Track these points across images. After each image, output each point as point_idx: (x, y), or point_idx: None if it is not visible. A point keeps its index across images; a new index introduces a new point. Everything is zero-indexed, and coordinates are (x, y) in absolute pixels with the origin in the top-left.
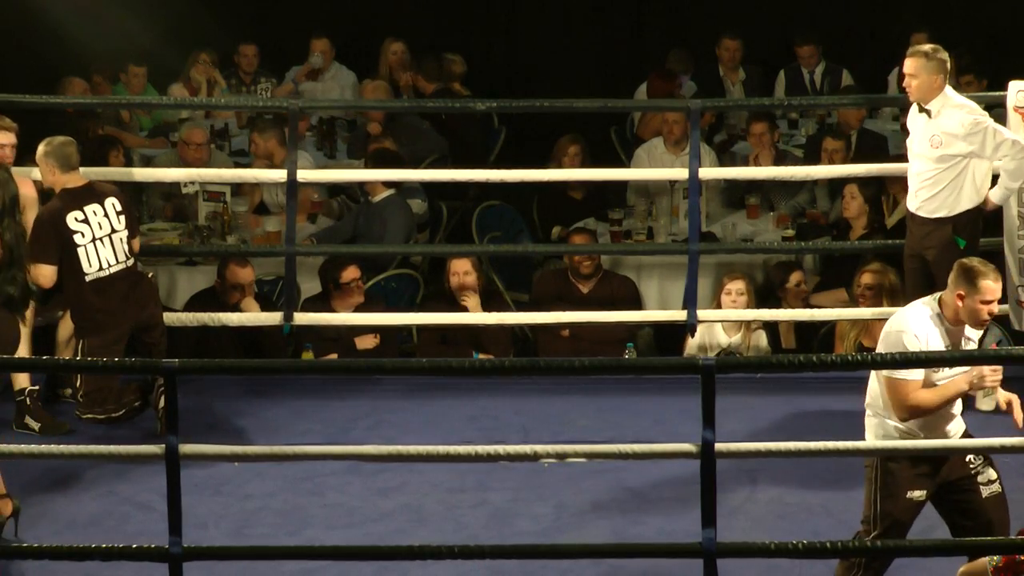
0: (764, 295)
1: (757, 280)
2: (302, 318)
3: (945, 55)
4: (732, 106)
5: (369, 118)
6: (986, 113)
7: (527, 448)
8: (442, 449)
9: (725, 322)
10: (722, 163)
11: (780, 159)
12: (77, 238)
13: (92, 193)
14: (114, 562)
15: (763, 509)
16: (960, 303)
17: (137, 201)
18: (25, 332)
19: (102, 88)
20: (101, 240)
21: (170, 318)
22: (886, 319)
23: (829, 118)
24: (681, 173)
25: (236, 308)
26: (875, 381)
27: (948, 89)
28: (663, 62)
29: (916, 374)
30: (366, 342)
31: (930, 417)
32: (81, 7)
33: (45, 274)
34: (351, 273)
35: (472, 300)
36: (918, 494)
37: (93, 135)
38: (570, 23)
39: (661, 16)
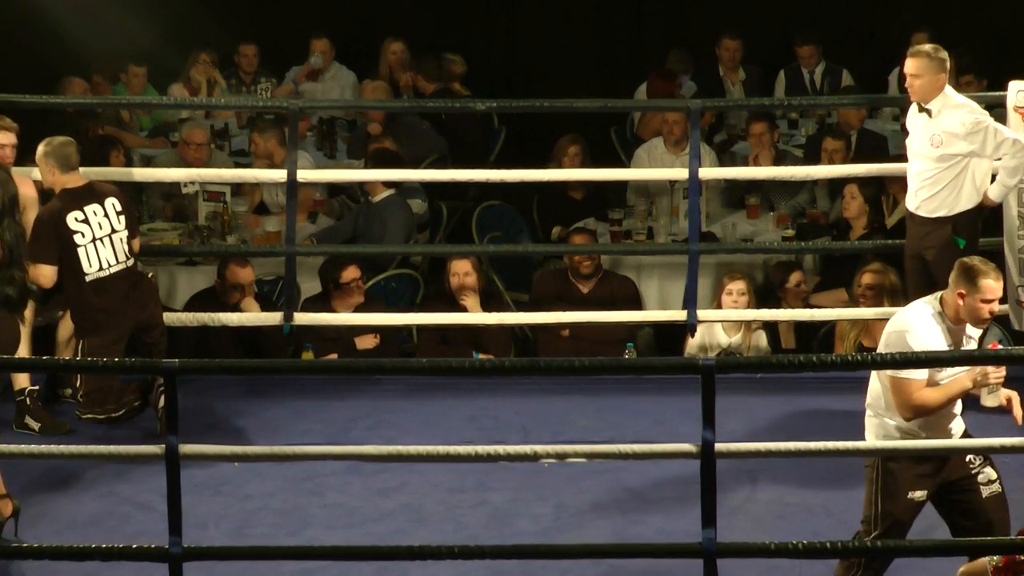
0: (764, 295)
1: (757, 280)
2: (302, 318)
3: (946, 55)
4: (732, 106)
5: (369, 118)
6: (986, 112)
7: (527, 448)
8: (442, 449)
9: (725, 322)
10: (722, 163)
11: (780, 159)
12: (77, 238)
13: (92, 193)
14: (114, 562)
15: (763, 509)
16: (961, 302)
17: (137, 201)
18: (25, 332)
19: (102, 88)
20: (101, 240)
21: (170, 318)
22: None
23: (829, 118)
24: (681, 173)
25: (236, 308)
26: (876, 381)
27: (948, 88)
28: (663, 62)
29: (920, 373)
30: (366, 342)
31: (932, 417)
32: (81, 7)
33: (45, 274)
34: (351, 273)
35: (472, 301)
36: (919, 494)
37: (93, 135)
38: (570, 23)
39: (661, 16)
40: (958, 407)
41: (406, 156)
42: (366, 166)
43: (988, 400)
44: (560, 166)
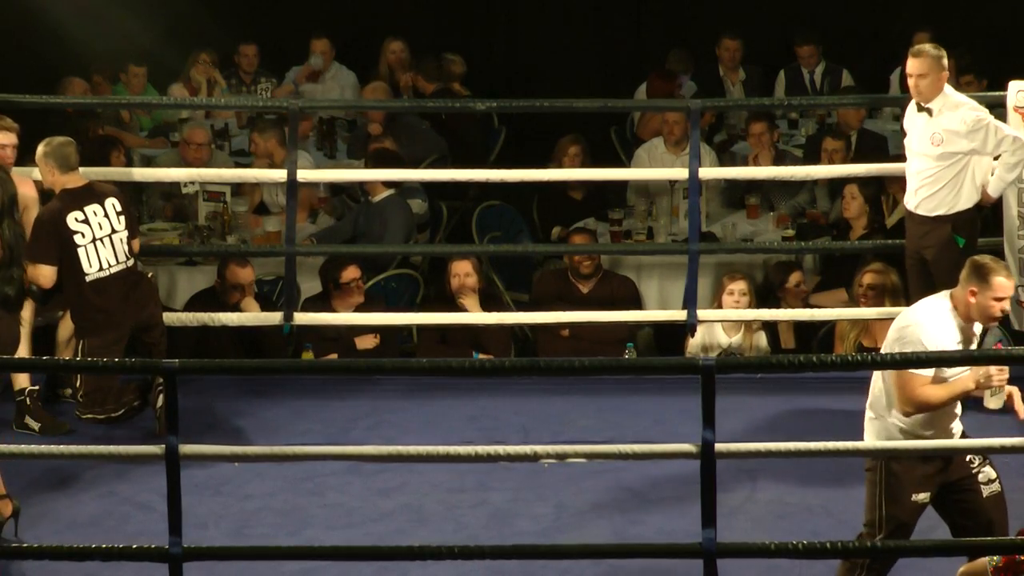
0: (764, 295)
1: (757, 280)
2: (302, 318)
3: (945, 53)
4: (732, 106)
5: (369, 118)
6: (986, 110)
7: (527, 448)
8: (442, 449)
9: (725, 322)
10: (722, 163)
11: (780, 159)
12: (77, 238)
13: (92, 193)
14: (114, 562)
15: (763, 509)
16: (973, 299)
17: (137, 201)
18: (25, 332)
19: (102, 88)
20: (101, 240)
21: (170, 318)
22: (887, 319)
23: (829, 118)
24: (681, 173)
25: (236, 308)
26: (879, 382)
27: (947, 87)
28: (663, 62)
29: (927, 369)
30: (366, 342)
31: (933, 417)
32: (81, 7)
33: (45, 274)
34: (351, 273)
35: (472, 301)
36: (922, 496)
37: (93, 135)
38: (570, 23)
39: (661, 16)
40: (959, 408)
41: (406, 156)
42: (366, 166)
43: (991, 402)
44: (560, 166)
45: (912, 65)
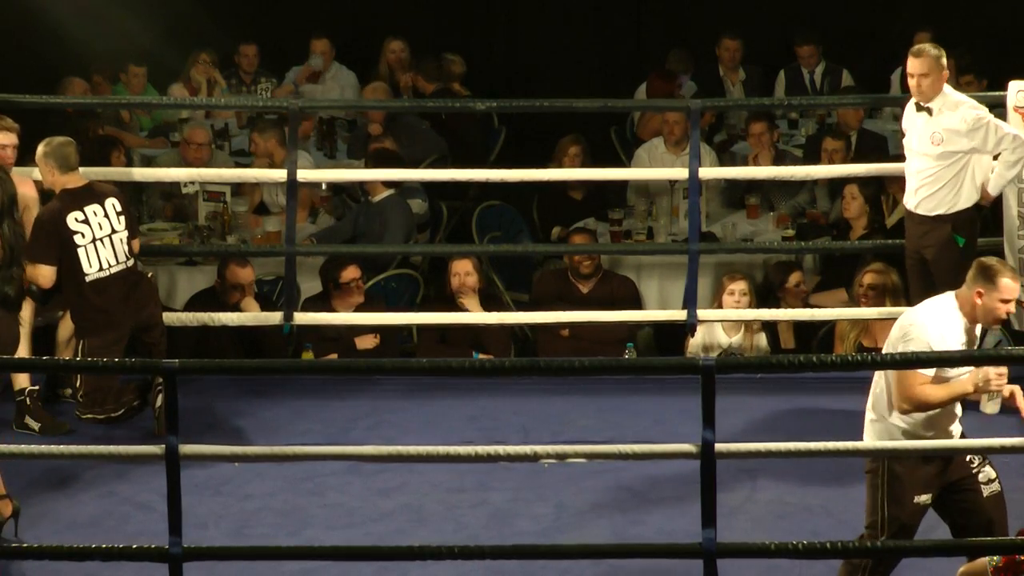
0: (764, 295)
1: (756, 280)
2: (302, 318)
3: (945, 53)
4: (732, 106)
5: (370, 118)
6: (985, 108)
7: (527, 448)
8: (442, 449)
9: (725, 322)
10: (722, 163)
11: (780, 159)
12: (77, 239)
13: (92, 194)
14: (114, 562)
15: (763, 509)
16: (979, 301)
17: (137, 201)
18: (25, 332)
19: (102, 88)
20: (101, 241)
21: (170, 318)
22: (887, 319)
23: (829, 118)
24: (681, 173)
25: (236, 308)
26: (880, 383)
27: (946, 86)
28: (663, 62)
29: (929, 368)
30: (366, 342)
31: (934, 419)
32: (81, 7)
33: (44, 274)
34: (350, 273)
35: (472, 301)
36: (924, 498)
37: (93, 135)
38: (570, 23)
39: (661, 16)
40: (959, 409)
41: (406, 156)
42: (366, 166)
43: (988, 407)
44: (561, 166)
45: (914, 65)
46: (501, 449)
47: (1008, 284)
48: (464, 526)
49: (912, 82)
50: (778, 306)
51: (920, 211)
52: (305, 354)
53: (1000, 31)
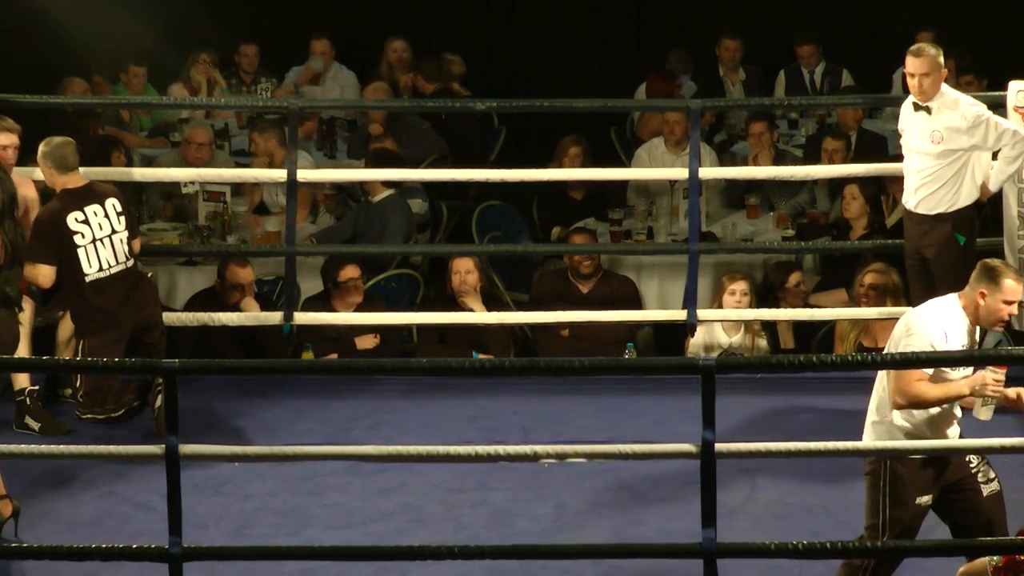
0: (764, 295)
1: (756, 280)
2: (302, 318)
3: (942, 52)
4: (732, 106)
5: (370, 118)
6: (983, 105)
7: (527, 448)
8: (442, 449)
9: (725, 322)
10: (722, 163)
11: (780, 159)
12: (77, 239)
13: (92, 194)
14: (114, 562)
15: (763, 509)
16: (982, 301)
17: (137, 201)
18: (25, 332)
19: (102, 88)
20: (101, 241)
21: (170, 318)
22: (888, 319)
23: (829, 118)
24: (681, 173)
25: (236, 308)
26: (882, 383)
27: (943, 85)
28: (663, 62)
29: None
30: (366, 342)
31: (934, 420)
32: (81, 7)
33: (44, 274)
34: (349, 272)
35: (474, 299)
36: (925, 499)
37: (93, 135)
38: (570, 23)
39: (661, 16)
40: (958, 411)
41: (406, 156)
42: (366, 166)
43: (981, 412)
44: (561, 166)
45: (914, 64)
46: (501, 449)
47: (1011, 285)
48: (464, 526)
49: (913, 81)
50: (778, 306)
51: (920, 210)
52: (305, 354)
53: (1000, 31)
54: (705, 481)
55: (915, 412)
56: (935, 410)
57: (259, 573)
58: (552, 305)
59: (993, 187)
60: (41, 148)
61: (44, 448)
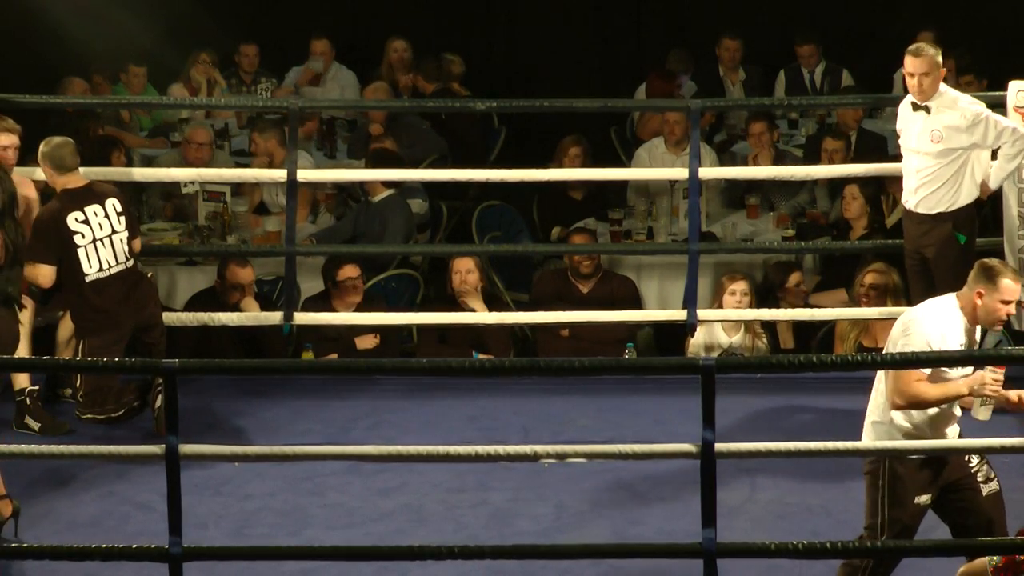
0: (764, 295)
1: (756, 280)
2: (302, 318)
3: (940, 51)
4: (732, 106)
5: (371, 118)
6: (982, 103)
7: (527, 448)
8: (442, 449)
9: (725, 322)
10: (722, 163)
11: (780, 159)
12: (77, 239)
13: (92, 194)
14: (114, 562)
15: (763, 509)
16: (979, 301)
17: (137, 201)
18: (25, 332)
19: (102, 88)
20: (101, 241)
21: (170, 318)
22: (887, 319)
23: (829, 118)
24: (681, 173)
25: (236, 308)
26: (881, 384)
27: (942, 84)
28: (663, 62)
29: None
30: (366, 342)
31: (933, 420)
32: (81, 7)
33: (44, 274)
34: (348, 272)
35: (475, 298)
36: (924, 499)
37: (93, 135)
38: (570, 23)
39: (661, 16)
40: (957, 411)
41: (406, 156)
42: (366, 166)
43: (980, 413)
44: (561, 166)
45: (914, 64)
46: (501, 449)
47: (1009, 285)
48: (464, 526)
49: (913, 81)
50: (778, 306)
51: (920, 210)
52: (305, 354)
53: (1000, 31)
54: (705, 481)
55: (914, 412)
56: (934, 410)
57: (259, 573)
58: (552, 305)
59: (993, 185)
60: (41, 148)
61: (44, 448)
